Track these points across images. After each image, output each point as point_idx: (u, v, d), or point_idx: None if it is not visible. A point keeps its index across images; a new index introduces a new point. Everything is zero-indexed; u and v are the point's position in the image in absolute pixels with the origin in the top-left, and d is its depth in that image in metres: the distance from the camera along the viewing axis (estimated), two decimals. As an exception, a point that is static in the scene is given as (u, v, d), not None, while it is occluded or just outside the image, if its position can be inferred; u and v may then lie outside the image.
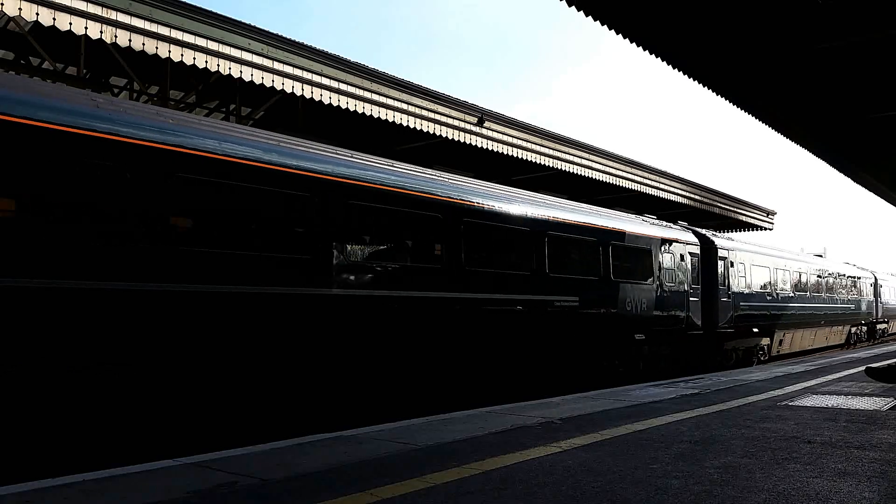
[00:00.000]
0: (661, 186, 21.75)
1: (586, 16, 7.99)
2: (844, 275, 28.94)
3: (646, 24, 8.47)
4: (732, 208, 26.01)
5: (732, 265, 18.35)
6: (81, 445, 6.17)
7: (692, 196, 23.45)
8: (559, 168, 17.48)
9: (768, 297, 20.68)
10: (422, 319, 9.50)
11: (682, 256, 16.14)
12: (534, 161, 16.61)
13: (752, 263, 19.67)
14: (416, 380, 9.46)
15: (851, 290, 29.44)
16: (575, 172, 18.02)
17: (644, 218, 16.23)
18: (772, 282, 21.09)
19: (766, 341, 20.45)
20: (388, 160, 10.00)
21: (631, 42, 8.68)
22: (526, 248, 11.52)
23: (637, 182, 20.59)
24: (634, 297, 13.99)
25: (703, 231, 18.41)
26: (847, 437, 5.88)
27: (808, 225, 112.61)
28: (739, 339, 18.64)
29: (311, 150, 8.59)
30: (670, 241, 15.80)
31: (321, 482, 4.48)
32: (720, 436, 6.05)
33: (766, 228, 29.00)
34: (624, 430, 6.37)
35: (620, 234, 13.90)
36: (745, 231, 29.03)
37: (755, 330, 19.49)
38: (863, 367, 12.58)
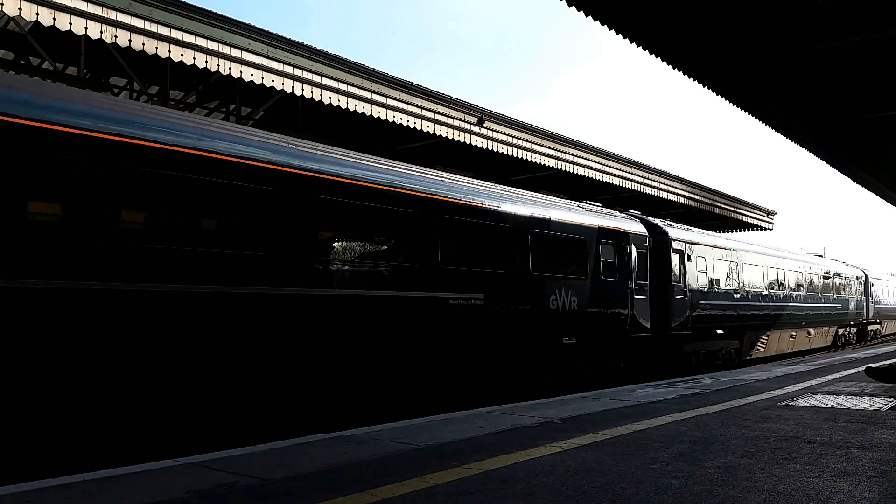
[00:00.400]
0: (661, 186, 21.77)
1: (586, 16, 7.99)
2: (830, 272, 26.96)
3: (646, 24, 8.48)
4: (732, 208, 26.03)
5: (690, 259, 16.43)
6: (81, 445, 6.18)
7: (692, 196, 23.46)
8: (559, 168, 17.50)
9: (736, 296, 18.74)
10: (241, 323, 7.33)
11: (625, 248, 14.16)
12: (534, 161, 16.63)
13: (715, 258, 17.86)
14: (239, 402, 7.44)
15: (838, 289, 27.51)
16: (575, 172, 18.04)
17: (581, 204, 14.30)
18: (742, 278, 19.14)
19: (734, 344, 18.65)
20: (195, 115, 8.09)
21: (631, 42, 8.68)
22: (409, 235, 9.48)
23: (637, 182, 20.60)
24: (562, 295, 12.04)
25: (657, 221, 16.48)
26: (847, 437, 5.88)
27: (808, 225, 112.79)
28: (699, 342, 16.73)
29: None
30: (611, 231, 13.85)
31: (321, 482, 4.48)
32: (720, 436, 6.05)
33: (766, 228, 29.02)
34: (624, 430, 6.37)
35: (543, 222, 11.99)
36: (745, 231, 29.05)
37: (719, 332, 17.57)
38: (863, 367, 12.58)
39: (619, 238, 14.10)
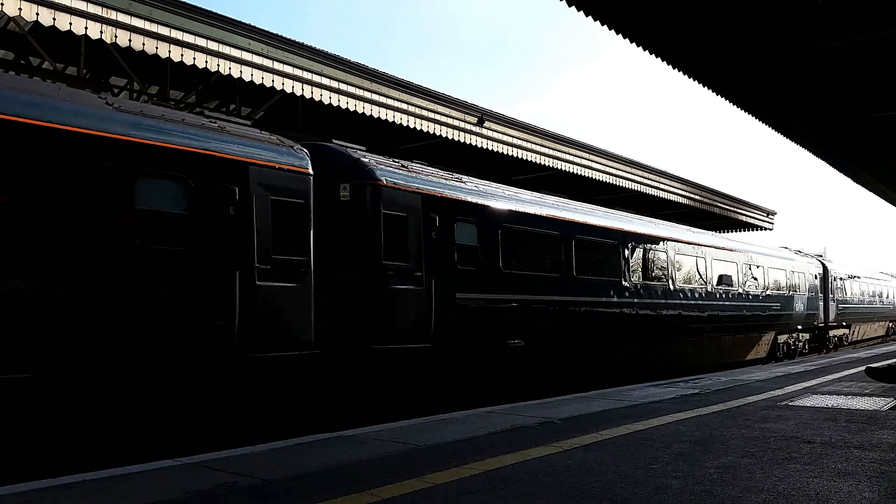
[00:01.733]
0: (661, 186, 21.78)
1: (586, 16, 7.99)
2: (759, 260, 20.32)
3: (646, 24, 8.47)
4: (732, 208, 26.05)
5: (437, 224, 9.96)
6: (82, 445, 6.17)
7: (692, 196, 23.48)
8: (559, 168, 17.52)
9: (560, 282, 12.23)
10: None
11: (232, 195, 7.59)
12: (534, 161, 16.64)
13: (507, 225, 11.26)
14: None
15: (777, 283, 21.21)
16: (575, 172, 18.06)
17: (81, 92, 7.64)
18: (567, 259, 12.49)
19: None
20: None
21: (631, 42, 8.67)
22: None
23: (637, 182, 20.61)
24: None
25: (364, 156, 9.59)
26: (847, 437, 5.88)
27: (808, 225, 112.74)
28: (459, 361, 10.21)
29: None
30: (174, 155, 7.17)
31: (321, 482, 4.48)
32: (720, 436, 6.05)
33: (766, 228, 29.04)
34: (624, 430, 6.37)
35: None
36: (745, 231, 29.06)
37: (515, 342, 10.99)
38: (863, 367, 12.58)
39: (211, 174, 7.51)
